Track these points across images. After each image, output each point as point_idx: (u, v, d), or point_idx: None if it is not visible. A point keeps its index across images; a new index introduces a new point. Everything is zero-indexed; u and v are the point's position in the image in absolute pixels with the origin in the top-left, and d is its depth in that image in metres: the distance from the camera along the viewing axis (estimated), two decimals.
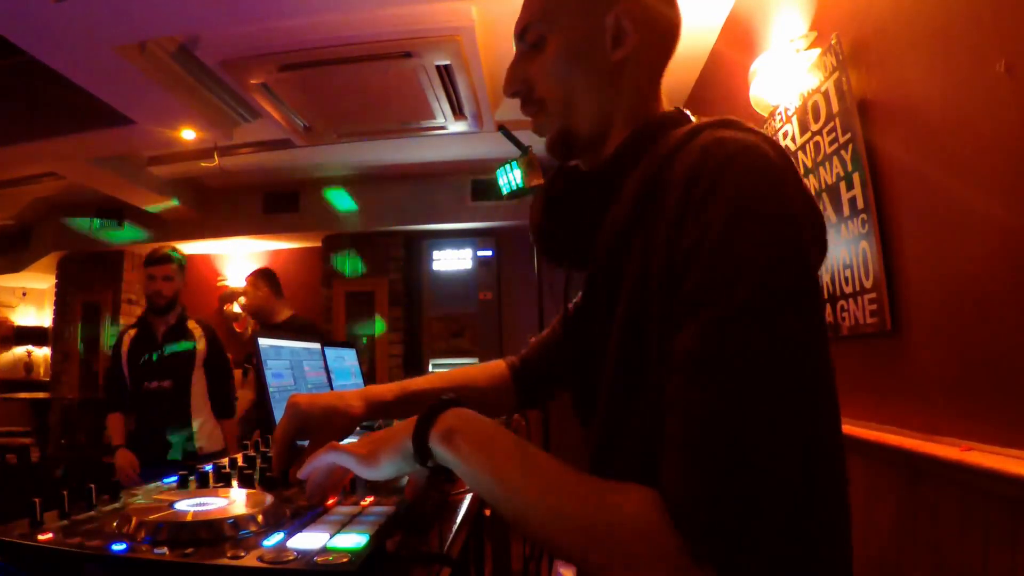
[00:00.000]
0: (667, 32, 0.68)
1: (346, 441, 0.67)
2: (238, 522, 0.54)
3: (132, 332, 2.64)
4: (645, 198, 0.58)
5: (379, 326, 5.01)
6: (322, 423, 0.74)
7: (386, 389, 0.85)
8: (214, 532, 0.53)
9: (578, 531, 0.48)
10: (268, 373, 1.05)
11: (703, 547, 0.43)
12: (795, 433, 0.46)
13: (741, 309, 0.47)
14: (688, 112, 0.68)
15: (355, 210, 4.96)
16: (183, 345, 2.60)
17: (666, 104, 0.70)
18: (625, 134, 0.66)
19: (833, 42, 1.54)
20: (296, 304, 5.34)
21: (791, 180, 0.53)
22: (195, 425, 2.56)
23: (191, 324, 2.66)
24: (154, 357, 2.56)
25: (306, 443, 0.74)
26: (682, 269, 0.51)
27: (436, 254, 5.19)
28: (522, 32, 0.69)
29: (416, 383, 0.89)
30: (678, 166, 0.55)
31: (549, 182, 0.72)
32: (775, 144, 0.56)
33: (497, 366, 0.99)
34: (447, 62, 2.87)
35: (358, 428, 0.82)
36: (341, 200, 4.96)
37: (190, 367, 2.60)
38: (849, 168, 1.51)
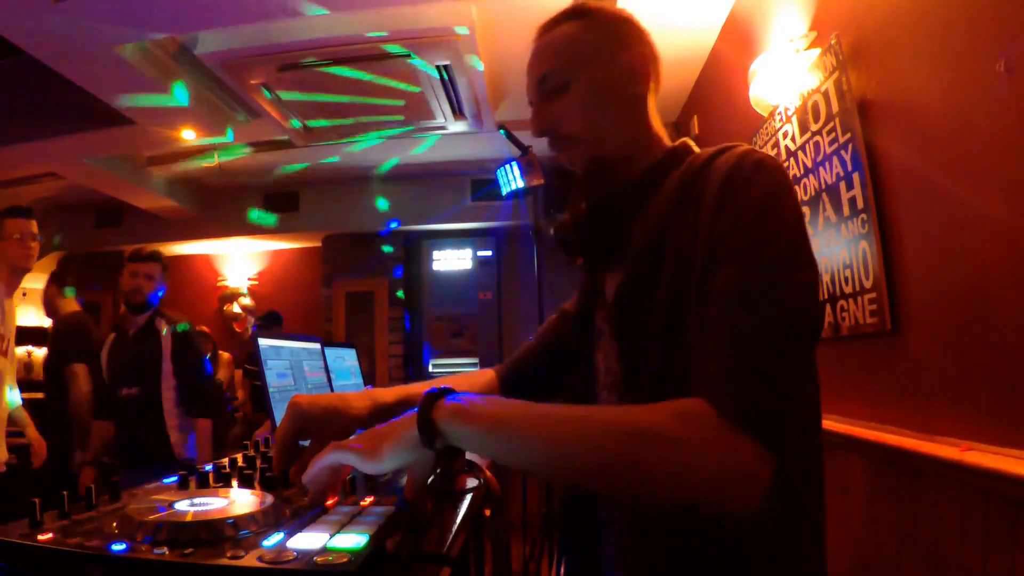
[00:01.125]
0: (658, 71, 0.82)
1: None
2: (238, 522, 0.54)
3: (111, 337, 2.59)
4: (684, 196, 0.70)
5: None
6: (323, 424, 0.74)
7: (387, 392, 0.86)
8: (214, 532, 0.53)
9: (628, 441, 0.56)
10: (268, 373, 1.05)
11: (746, 423, 0.55)
12: (803, 354, 0.63)
13: (774, 261, 0.62)
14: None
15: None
16: (150, 346, 2.51)
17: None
18: (650, 154, 0.79)
19: (833, 42, 1.54)
20: (296, 304, 5.38)
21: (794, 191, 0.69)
22: (168, 428, 2.46)
23: (158, 322, 2.55)
24: (126, 361, 2.50)
25: (307, 443, 0.74)
26: (721, 239, 0.64)
27: (436, 254, 5.19)
28: (541, 81, 0.80)
29: (417, 388, 0.90)
30: (715, 170, 0.68)
31: (584, 190, 0.78)
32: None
33: (487, 374, 1.01)
34: (447, 62, 2.87)
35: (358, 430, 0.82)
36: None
37: (157, 370, 2.48)
38: (849, 168, 1.51)
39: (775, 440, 0.56)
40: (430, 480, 0.66)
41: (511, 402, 0.63)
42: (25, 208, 2.30)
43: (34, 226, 2.27)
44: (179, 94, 3.00)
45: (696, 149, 0.78)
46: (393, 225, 4.89)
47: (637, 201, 0.76)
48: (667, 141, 0.82)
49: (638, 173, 0.78)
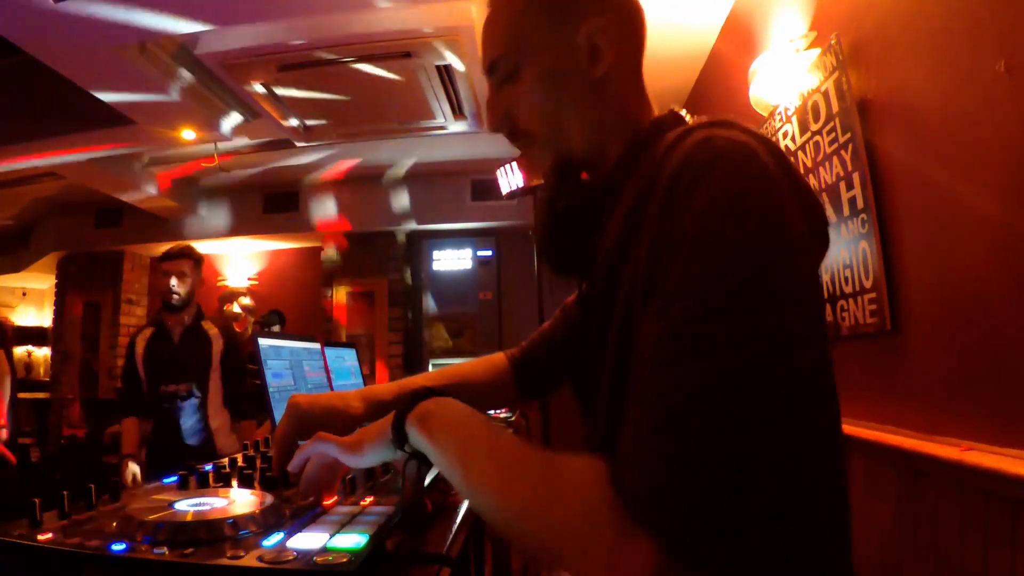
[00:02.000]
0: (639, 32, 0.68)
1: None
2: (238, 522, 0.54)
3: (147, 332, 2.57)
4: (641, 204, 0.56)
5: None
6: (322, 423, 0.74)
7: (385, 389, 0.86)
8: (214, 532, 0.53)
9: (525, 498, 0.48)
10: (268, 373, 1.05)
11: (639, 510, 0.43)
12: (759, 428, 0.44)
13: (725, 300, 0.45)
14: (684, 113, 0.67)
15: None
16: (200, 346, 2.53)
17: (655, 105, 0.69)
18: (621, 144, 0.65)
19: (833, 42, 1.54)
20: (296, 304, 5.38)
21: (782, 177, 0.52)
22: (213, 428, 2.50)
23: (206, 324, 2.59)
24: (171, 359, 2.51)
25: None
26: (657, 262, 0.50)
27: (436, 254, 5.19)
28: (491, 68, 0.69)
29: (414, 380, 0.89)
30: (666, 167, 0.53)
31: (552, 198, 0.69)
32: (768, 142, 0.55)
33: (497, 359, 0.99)
34: (447, 62, 2.87)
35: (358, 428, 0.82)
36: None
37: (207, 369, 2.52)
38: (849, 168, 1.51)
39: (690, 546, 0.42)
40: (426, 481, 0.66)
41: (468, 421, 0.56)
42: None
43: None
44: (178, 94, 3.00)
45: (688, 120, 0.66)
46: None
47: (599, 208, 0.65)
48: (652, 112, 0.69)
49: (607, 169, 0.66)
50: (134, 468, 2.43)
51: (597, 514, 0.44)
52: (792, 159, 1.89)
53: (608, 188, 0.64)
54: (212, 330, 2.59)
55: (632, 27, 0.67)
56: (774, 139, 1.95)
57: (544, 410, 3.27)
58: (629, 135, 0.65)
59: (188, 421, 2.48)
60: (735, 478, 0.43)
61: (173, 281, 2.49)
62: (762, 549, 0.45)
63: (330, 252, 5.11)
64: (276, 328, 4.50)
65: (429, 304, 5.18)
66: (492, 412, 1.60)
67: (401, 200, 4.93)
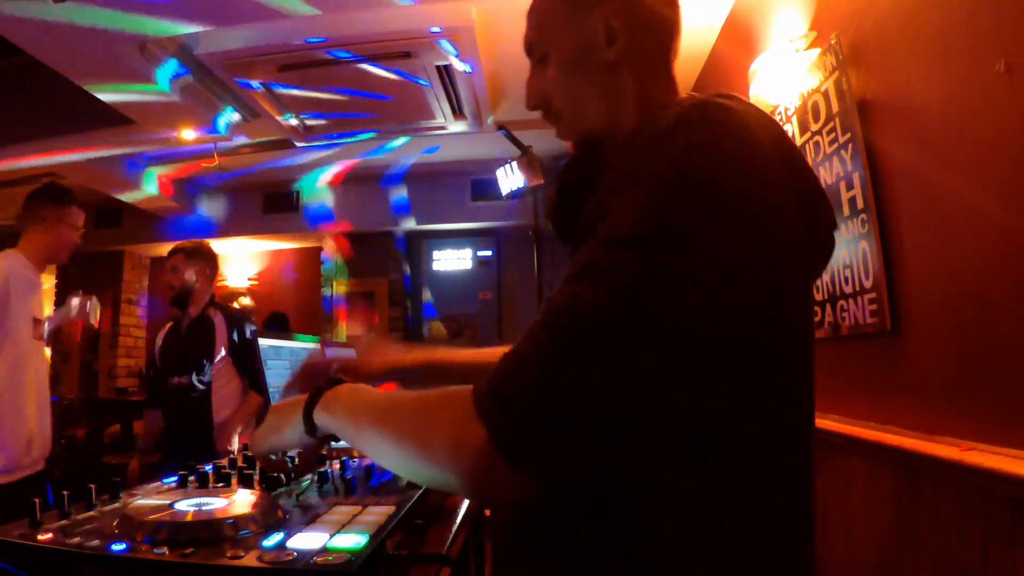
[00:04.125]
0: (661, 18, 0.69)
1: None
2: (238, 522, 0.54)
3: (168, 326, 2.62)
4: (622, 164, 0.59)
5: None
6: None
7: (411, 357, 0.90)
8: (214, 532, 0.53)
9: (407, 421, 0.54)
10: (268, 373, 1.05)
11: (479, 410, 0.48)
12: (604, 355, 0.46)
13: (627, 236, 0.48)
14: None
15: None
16: (202, 335, 2.53)
17: (682, 90, 0.71)
18: (637, 123, 0.67)
19: (833, 42, 1.54)
20: (296, 304, 5.38)
21: (771, 147, 0.54)
22: (216, 423, 2.46)
23: (210, 312, 2.57)
24: (177, 351, 2.53)
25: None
26: (614, 196, 0.53)
27: (436, 254, 5.19)
28: (528, 50, 0.74)
29: (441, 355, 0.93)
30: (653, 130, 0.55)
31: (565, 169, 0.73)
32: (764, 116, 0.57)
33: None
34: (447, 62, 2.87)
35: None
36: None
37: (208, 359, 2.50)
38: (849, 168, 1.51)
39: (505, 435, 0.46)
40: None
41: (366, 395, 0.64)
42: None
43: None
44: (178, 94, 3.00)
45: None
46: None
47: (596, 175, 0.67)
48: (677, 94, 0.71)
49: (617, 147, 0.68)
50: (137, 467, 2.45)
51: (457, 409, 0.50)
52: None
53: (609, 163, 0.66)
54: (215, 315, 2.57)
55: (651, 9, 0.69)
56: None
57: None
58: (645, 115, 0.67)
59: (190, 415, 2.47)
60: (563, 394, 0.46)
61: (167, 276, 2.54)
62: (582, 468, 0.48)
63: (335, 258, 5.10)
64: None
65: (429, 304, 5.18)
66: None
67: (401, 200, 4.93)
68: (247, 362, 2.55)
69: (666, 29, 0.70)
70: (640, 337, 0.47)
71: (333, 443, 0.78)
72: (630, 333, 0.46)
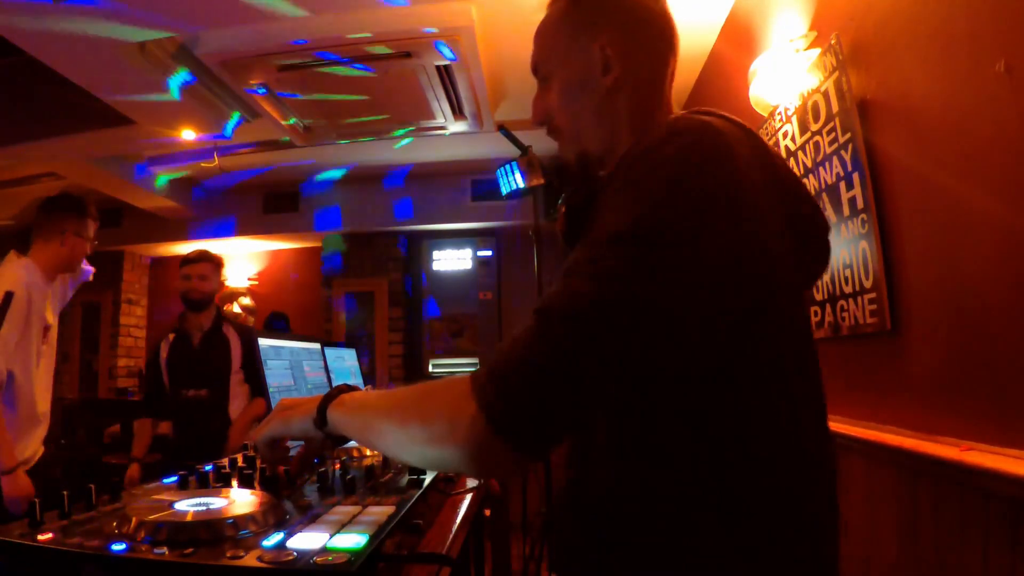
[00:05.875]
0: (654, 44, 0.74)
1: None
2: (238, 522, 0.54)
3: (171, 337, 2.61)
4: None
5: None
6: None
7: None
8: (214, 532, 0.53)
9: (412, 406, 0.59)
10: (268, 373, 1.05)
11: (473, 389, 0.53)
12: (592, 344, 0.50)
13: (615, 233, 0.53)
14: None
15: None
16: (219, 351, 2.56)
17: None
18: (630, 145, 0.70)
19: (833, 42, 1.54)
20: (296, 304, 5.38)
21: (752, 160, 0.59)
22: (231, 433, 2.50)
23: (225, 328, 2.62)
24: (191, 363, 2.54)
25: (301, 444, 0.75)
26: (604, 208, 0.58)
27: (436, 254, 5.19)
28: (534, 70, 0.79)
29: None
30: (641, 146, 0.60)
31: (571, 194, 0.76)
32: (746, 130, 0.62)
33: None
34: (447, 62, 2.86)
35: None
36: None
37: (226, 374, 2.55)
38: (849, 168, 1.51)
39: (498, 411, 0.51)
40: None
41: (374, 396, 0.69)
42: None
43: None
44: (178, 94, 3.00)
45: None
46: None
47: (597, 193, 0.70)
48: (667, 116, 0.73)
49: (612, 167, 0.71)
50: (134, 474, 2.45)
51: (455, 390, 0.54)
52: (791, 159, 1.89)
53: (607, 181, 0.69)
54: (231, 333, 2.62)
55: (645, 39, 0.74)
56: (773, 139, 1.95)
57: None
58: (639, 134, 0.70)
59: (207, 427, 2.49)
60: (551, 371, 0.50)
61: (195, 283, 2.54)
62: (564, 439, 0.56)
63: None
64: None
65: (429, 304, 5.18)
66: None
67: (401, 200, 4.93)
68: (254, 372, 2.59)
69: (660, 58, 0.75)
70: (628, 326, 0.51)
71: (330, 450, 0.79)
72: (619, 322, 0.51)
